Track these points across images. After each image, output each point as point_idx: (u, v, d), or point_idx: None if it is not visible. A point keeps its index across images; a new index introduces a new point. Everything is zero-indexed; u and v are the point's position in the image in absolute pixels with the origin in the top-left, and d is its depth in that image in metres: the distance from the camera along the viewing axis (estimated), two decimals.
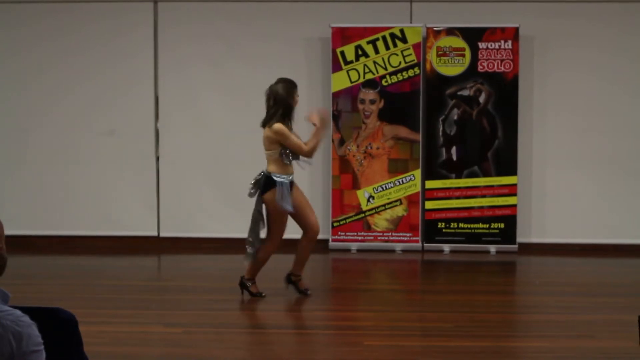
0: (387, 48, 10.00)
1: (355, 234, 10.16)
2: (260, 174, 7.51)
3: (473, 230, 10.11)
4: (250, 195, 7.53)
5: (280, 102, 7.50)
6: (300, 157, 7.54)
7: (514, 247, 10.07)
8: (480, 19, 10.05)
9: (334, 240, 10.13)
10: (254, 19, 10.28)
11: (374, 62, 10.02)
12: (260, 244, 7.58)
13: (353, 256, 10.01)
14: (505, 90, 9.96)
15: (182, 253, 10.22)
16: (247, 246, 7.63)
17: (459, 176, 10.08)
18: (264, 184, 7.44)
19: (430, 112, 10.07)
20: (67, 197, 10.44)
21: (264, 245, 7.60)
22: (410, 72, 10.01)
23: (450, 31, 10.01)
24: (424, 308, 7.65)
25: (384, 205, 10.13)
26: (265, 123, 7.48)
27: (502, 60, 9.94)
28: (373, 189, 10.09)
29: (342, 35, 10.04)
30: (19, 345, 2.57)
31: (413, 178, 10.09)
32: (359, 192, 10.13)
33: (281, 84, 7.59)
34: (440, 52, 10.00)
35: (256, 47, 10.27)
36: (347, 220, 10.16)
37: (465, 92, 10.02)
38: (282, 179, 7.39)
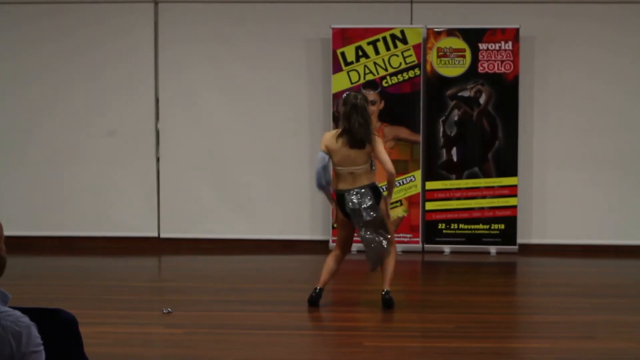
0: (388, 49, 10.00)
1: (356, 235, 10.13)
2: (359, 192, 7.20)
3: (473, 231, 10.11)
4: (369, 215, 7.19)
5: (369, 116, 7.30)
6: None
7: (514, 248, 10.07)
8: (480, 20, 10.05)
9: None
10: (254, 19, 10.28)
11: (375, 63, 10.02)
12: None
13: (353, 257, 9.99)
14: (505, 91, 9.96)
15: (183, 254, 10.22)
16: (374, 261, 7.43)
17: (459, 177, 10.08)
18: (376, 195, 7.23)
19: (430, 113, 10.07)
20: (67, 198, 10.45)
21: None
22: (411, 73, 10.00)
23: (450, 32, 10.00)
24: (424, 309, 7.64)
25: None
26: (366, 140, 7.14)
27: (502, 61, 9.94)
28: None
29: (342, 36, 10.03)
30: (18, 345, 2.57)
31: (413, 179, 10.08)
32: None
33: (362, 98, 7.31)
34: (440, 53, 10.00)
35: (256, 48, 10.27)
36: None
37: (466, 93, 10.02)
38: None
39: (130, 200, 10.45)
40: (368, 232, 7.26)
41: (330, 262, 7.50)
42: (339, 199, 7.30)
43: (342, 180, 7.27)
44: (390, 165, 7.11)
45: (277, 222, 10.39)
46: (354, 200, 7.19)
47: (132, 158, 10.42)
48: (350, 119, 7.15)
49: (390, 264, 7.40)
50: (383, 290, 7.37)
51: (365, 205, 7.17)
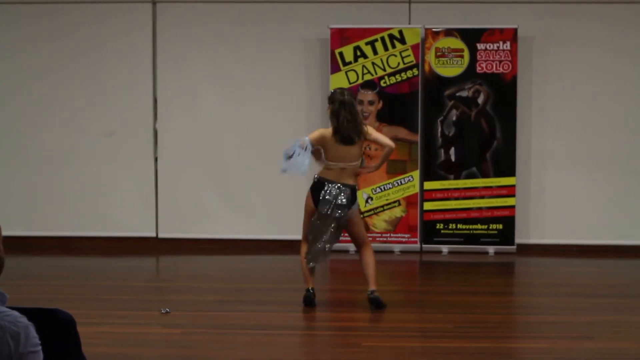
0: (386, 49, 10.00)
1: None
2: (340, 188, 7.20)
3: (471, 232, 10.10)
4: (337, 212, 7.18)
5: (357, 112, 7.31)
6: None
7: (513, 248, 10.07)
8: (478, 20, 10.05)
9: None
10: (252, 19, 10.27)
11: (373, 63, 10.01)
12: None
13: (351, 257, 10.00)
14: (503, 91, 9.96)
15: (181, 254, 10.21)
16: (313, 262, 7.35)
17: (457, 177, 10.08)
18: (353, 197, 7.26)
19: (428, 113, 10.07)
20: (65, 198, 10.44)
21: (367, 251, 7.42)
22: (409, 73, 10.00)
23: (448, 32, 10.00)
24: (422, 309, 7.64)
25: (382, 206, 10.13)
26: (355, 136, 7.17)
27: (500, 61, 9.94)
28: (372, 190, 10.09)
29: (340, 36, 10.03)
30: (16, 346, 2.57)
31: (412, 179, 10.08)
32: (358, 193, 10.11)
33: (348, 94, 7.28)
34: (438, 53, 10.00)
35: (255, 48, 10.27)
36: None
37: (464, 93, 10.01)
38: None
39: (129, 200, 10.44)
40: (324, 227, 7.21)
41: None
42: (317, 186, 7.27)
43: (330, 172, 7.25)
44: (388, 140, 7.25)
45: (276, 222, 10.38)
46: (332, 192, 7.18)
47: (131, 158, 10.42)
48: (339, 117, 7.16)
49: (370, 264, 7.38)
50: (369, 291, 7.36)
51: (338, 202, 7.17)
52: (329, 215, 7.17)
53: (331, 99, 7.28)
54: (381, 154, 7.42)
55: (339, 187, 7.19)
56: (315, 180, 7.30)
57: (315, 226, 7.25)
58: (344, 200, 7.18)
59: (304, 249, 7.44)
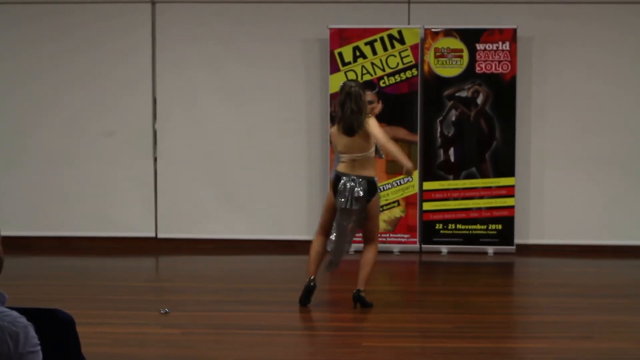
0: (385, 49, 10.00)
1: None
2: (356, 180, 7.15)
3: (471, 232, 10.10)
4: (354, 204, 7.13)
5: (364, 104, 7.24)
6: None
7: (512, 248, 10.07)
8: (478, 20, 10.05)
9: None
10: (251, 20, 10.28)
11: (372, 64, 10.02)
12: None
13: (351, 257, 9.99)
14: (503, 92, 9.96)
15: (180, 254, 10.21)
16: (335, 256, 7.37)
17: (456, 177, 10.08)
18: (370, 190, 7.21)
19: (428, 113, 10.07)
20: (65, 198, 10.44)
21: (369, 250, 7.39)
22: (408, 74, 10.00)
23: (448, 32, 10.00)
24: (422, 309, 7.64)
25: (381, 206, 10.12)
26: (357, 127, 7.15)
27: (500, 62, 9.94)
28: None
29: (340, 37, 10.03)
30: (15, 346, 2.56)
31: (411, 179, 10.08)
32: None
33: (357, 85, 7.27)
34: (438, 54, 10.00)
35: (254, 48, 10.27)
36: None
37: (463, 94, 10.02)
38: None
39: (128, 200, 10.44)
40: (345, 221, 7.20)
41: (317, 248, 7.39)
42: (335, 180, 7.26)
43: (343, 164, 7.25)
44: (380, 135, 7.14)
45: (276, 223, 10.38)
46: (347, 185, 7.15)
47: (130, 158, 10.42)
48: (344, 107, 7.17)
49: (367, 264, 7.35)
50: (355, 289, 7.35)
51: (355, 195, 7.14)
52: (350, 209, 7.16)
53: (340, 90, 7.34)
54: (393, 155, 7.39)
55: (354, 180, 7.17)
56: (335, 173, 7.32)
57: (339, 224, 7.24)
58: (360, 192, 7.14)
59: (317, 239, 7.43)
